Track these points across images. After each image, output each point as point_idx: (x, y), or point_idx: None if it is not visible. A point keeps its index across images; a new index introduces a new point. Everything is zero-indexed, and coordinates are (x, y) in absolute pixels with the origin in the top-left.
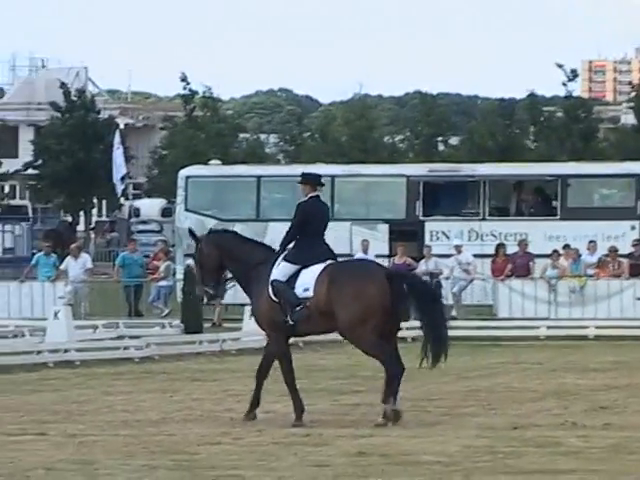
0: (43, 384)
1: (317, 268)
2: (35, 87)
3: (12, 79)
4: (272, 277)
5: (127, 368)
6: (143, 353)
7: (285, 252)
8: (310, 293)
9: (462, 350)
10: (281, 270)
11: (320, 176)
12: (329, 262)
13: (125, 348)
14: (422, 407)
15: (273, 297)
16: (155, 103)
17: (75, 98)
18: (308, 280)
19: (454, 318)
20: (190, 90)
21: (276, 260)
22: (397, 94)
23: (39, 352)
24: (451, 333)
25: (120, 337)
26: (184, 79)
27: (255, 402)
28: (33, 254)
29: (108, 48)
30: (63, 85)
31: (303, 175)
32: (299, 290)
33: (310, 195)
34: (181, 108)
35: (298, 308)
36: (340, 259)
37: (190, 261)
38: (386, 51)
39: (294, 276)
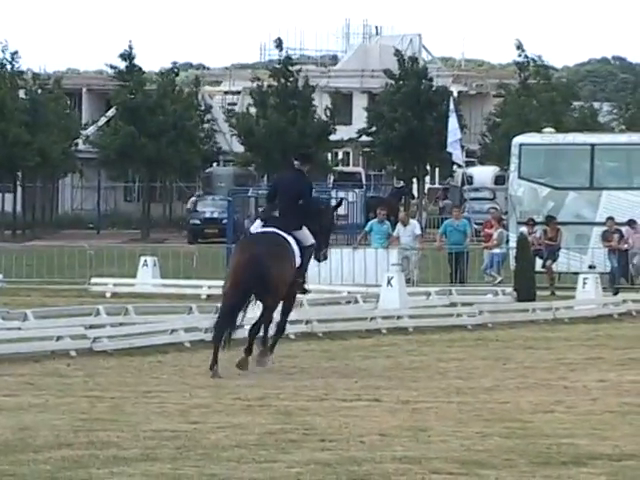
0: (376, 350)
1: None
2: (369, 54)
3: (345, 46)
4: None
5: (460, 335)
6: (476, 320)
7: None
8: None
9: None
10: None
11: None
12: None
13: (458, 315)
14: None
15: None
16: (488, 70)
17: (408, 66)
18: None
19: None
20: (526, 56)
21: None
22: None
23: (372, 318)
24: None
25: (452, 304)
26: (519, 46)
27: None
28: (367, 221)
29: (442, 15)
30: (397, 52)
31: None
32: None
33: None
34: (514, 76)
35: None
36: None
37: (524, 229)
38: None
39: None
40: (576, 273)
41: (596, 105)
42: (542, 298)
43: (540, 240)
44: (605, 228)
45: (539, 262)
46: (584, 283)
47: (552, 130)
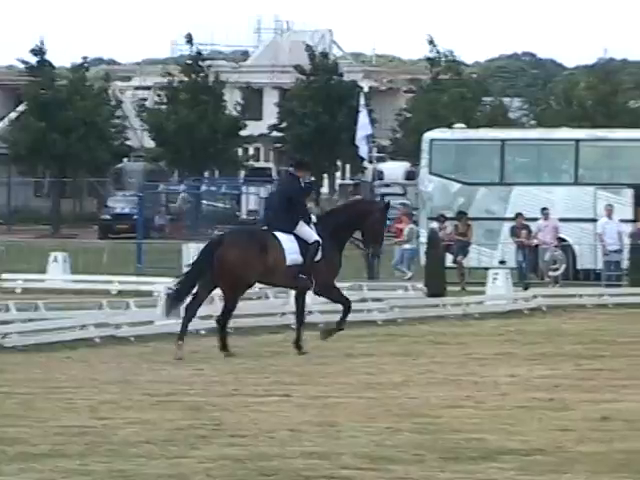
0: (287, 346)
1: None
2: (280, 50)
3: (257, 42)
4: None
5: (370, 331)
6: (386, 316)
7: None
8: None
9: None
10: None
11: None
12: None
13: (368, 311)
14: None
15: None
16: (399, 66)
17: (319, 61)
18: None
19: None
20: (437, 52)
21: None
22: None
23: (283, 314)
24: None
25: (363, 300)
26: (431, 42)
27: None
28: None
29: (353, 11)
30: (308, 48)
31: None
32: None
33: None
34: (425, 71)
35: None
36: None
37: (434, 224)
38: (632, 14)
39: None
40: (486, 268)
41: (506, 101)
42: (452, 293)
43: (451, 236)
44: (515, 223)
45: (450, 257)
46: (494, 278)
47: (463, 126)
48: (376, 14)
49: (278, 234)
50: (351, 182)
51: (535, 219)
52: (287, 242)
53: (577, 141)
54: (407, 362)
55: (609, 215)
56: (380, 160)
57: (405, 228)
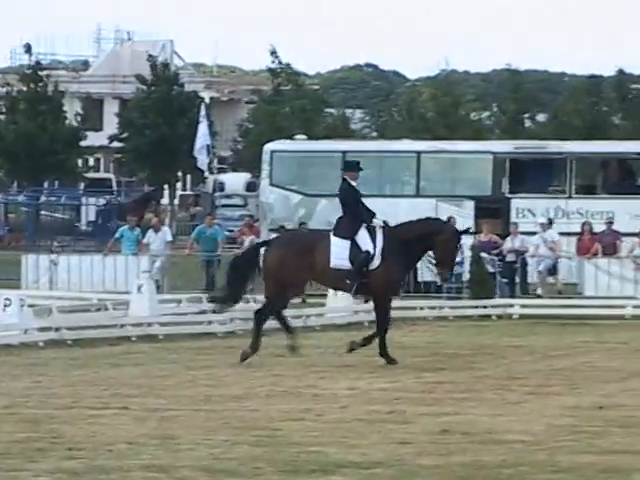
0: (126, 358)
1: None
2: (120, 60)
3: (97, 52)
4: None
5: (210, 343)
6: (227, 328)
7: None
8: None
9: (547, 329)
10: None
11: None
12: None
13: (209, 323)
14: (506, 386)
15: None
16: (241, 77)
17: (160, 71)
18: None
19: (539, 296)
20: (280, 63)
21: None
22: (484, 70)
23: (122, 326)
24: (536, 312)
25: (203, 311)
26: (273, 53)
27: None
28: (118, 227)
29: (194, 21)
30: (149, 58)
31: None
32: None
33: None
34: (267, 82)
35: None
36: None
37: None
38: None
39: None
40: None
41: (348, 112)
42: (293, 305)
43: None
44: None
45: None
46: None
47: (304, 137)
48: (217, 25)
49: (332, 237)
50: (192, 193)
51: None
52: (337, 246)
53: (418, 153)
54: (247, 374)
55: None
56: (221, 171)
57: (247, 240)
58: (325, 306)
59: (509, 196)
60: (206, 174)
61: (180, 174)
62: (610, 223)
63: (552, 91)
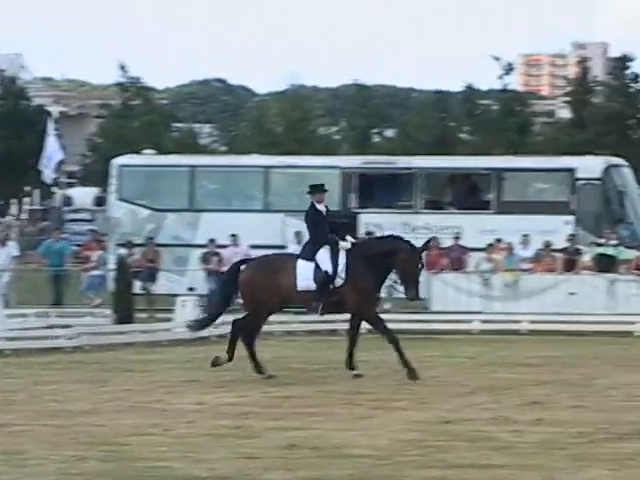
0: None
1: None
2: None
3: None
4: None
5: (57, 358)
6: (74, 343)
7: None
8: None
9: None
10: None
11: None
12: None
13: (55, 337)
14: (353, 400)
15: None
16: (89, 91)
17: (8, 85)
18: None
19: (386, 311)
20: (130, 77)
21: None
22: (332, 85)
23: None
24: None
25: (50, 326)
26: (122, 67)
27: None
28: None
29: (43, 35)
30: None
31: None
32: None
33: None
34: (116, 97)
35: None
36: (271, 251)
37: (123, 250)
38: (322, 41)
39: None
40: (175, 295)
41: (197, 127)
42: (141, 320)
43: (139, 262)
44: (206, 250)
45: (138, 284)
46: (183, 305)
47: (152, 152)
48: (66, 39)
49: (299, 260)
50: (40, 208)
51: (225, 246)
52: (302, 268)
53: (267, 168)
54: (95, 389)
55: (298, 242)
56: (70, 186)
57: (94, 254)
58: (173, 321)
59: (357, 211)
60: (54, 189)
61: (29, 188)
62: (457, 238)
63: (400, 106)
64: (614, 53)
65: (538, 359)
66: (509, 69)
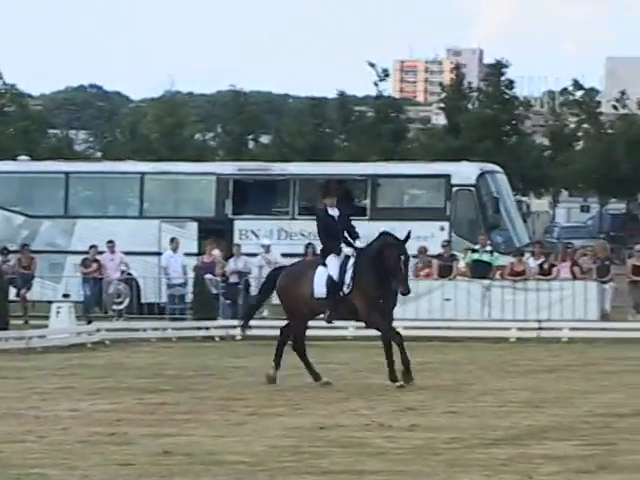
0: None
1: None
2: None
3: None
4: None
5: None
6: None
7: None
8: None
9: (269, 349)
10: None
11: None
12: None
13: None
14: (228, 406)
15: None
16: None
17: None
18: None
19: (264, 318)
20: (5, 84)
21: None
22: (209, 92)
23: None
24: (259, 332)
25: None
26: None
27: None
28: None
29: None
30: None
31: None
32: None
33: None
34: None
35: None
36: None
37: None
38: (198, 48)
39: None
40: (50, 302)
41: (72, 133)
42: (15, 327)
43: (14, 269)
44: (86, 256)
45: (13, 291)
46: (57, 312)
47: (27, 158)
48: None
49: (319, 267)
50: None
51: (101, 252)
52: (318, 276)
53: (142, 174)
54: None
55: (174, 249)
56: None
57: None
58: (47, 327)
59: (232, 217)
60: None
61: None
62: None
63: (276, 112)
64: (489, 59)
65: (413, 365)
66: (384, 75)
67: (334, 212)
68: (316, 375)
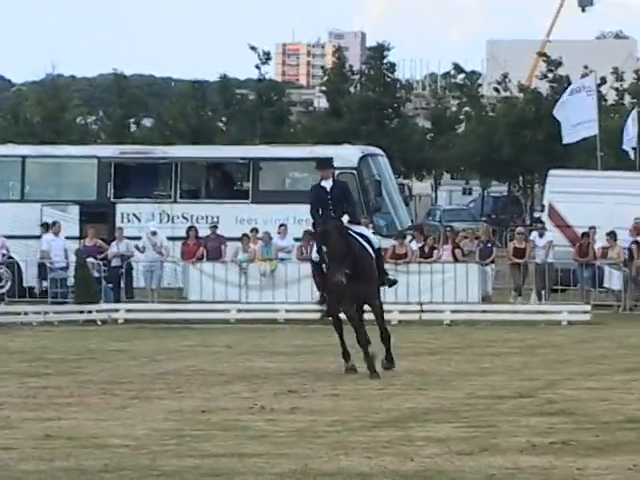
0: None
1: None
2: None
3: None
4: None
5: None
6: None
7: None
8: None
9: (152, 333)
10: None
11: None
12: None
13: None
14: (110, 390)
15: None
16: None
17: None
18: None
19: (145, 301)
20: None
21: None
22: (90, 75)
23: None
24: (141, 316)
25: None
26: None
27: None
28: None
29: None
30: None
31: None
32: None
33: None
34: None
35: None
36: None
37: None
38: (80, 31)
39: None
40: None
41: None
42: None
43: None
44: None
45: None
46: None
47: None
48: None
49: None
50: None
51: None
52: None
53: (23, 157)
54: None
55: (56, 232)
56: None
57: None
58: None
59: (114, 201)
60: None
61: None
62: (215, 227)
63: (159, 95)
64: (371, 42)
65: (295, 348)
66: (266, 59)
67: (328, 184)
68: (347, 355)
